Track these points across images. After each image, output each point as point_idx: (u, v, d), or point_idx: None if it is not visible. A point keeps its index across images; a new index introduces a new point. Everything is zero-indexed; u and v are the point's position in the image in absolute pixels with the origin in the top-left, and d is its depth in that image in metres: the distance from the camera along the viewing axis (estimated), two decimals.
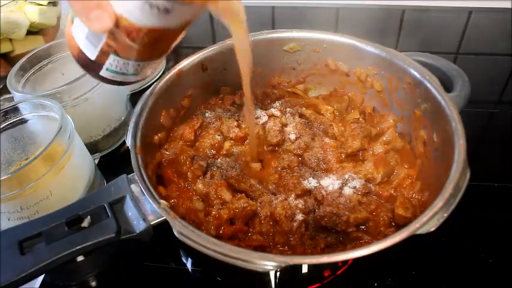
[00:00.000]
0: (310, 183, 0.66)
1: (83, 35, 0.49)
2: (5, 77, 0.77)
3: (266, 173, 0.70)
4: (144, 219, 0.52)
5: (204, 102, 0.83)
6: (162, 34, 0.47)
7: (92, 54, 0.50)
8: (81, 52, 0.51)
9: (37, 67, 0.83)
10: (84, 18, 0.46)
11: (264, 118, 0.78)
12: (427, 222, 0.49)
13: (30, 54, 0.82)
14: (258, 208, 0.62)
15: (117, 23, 0.45)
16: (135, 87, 1.04)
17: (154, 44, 0.49)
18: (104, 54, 0.49)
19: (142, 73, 0.54)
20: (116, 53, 0.49)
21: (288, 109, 0.79)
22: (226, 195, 0.63)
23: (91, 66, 0.51)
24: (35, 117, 0.71)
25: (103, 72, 0.52)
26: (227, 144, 0.74)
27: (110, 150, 0.88)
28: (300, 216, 0.60)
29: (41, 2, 1.01)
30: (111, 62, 0.50)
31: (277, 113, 0.78)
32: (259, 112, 0.79)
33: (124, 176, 0.57)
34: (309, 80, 0.86)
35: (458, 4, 1.26)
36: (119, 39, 0.47)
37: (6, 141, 0.73)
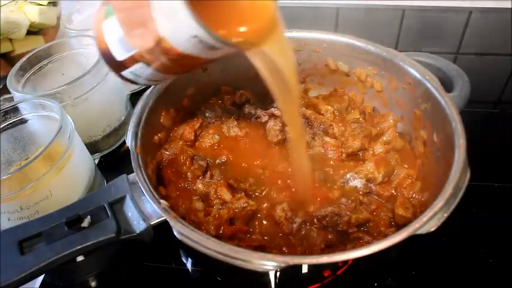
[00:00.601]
0: None
1: (115, 36, 0.48)
2: (5, 77, 0.77)
3: (266, 173, 0.70)
4: (144, 219, 0.52)
5: (204, 102, 0.83)
6: (198, 60, 0.47)
7: (120, 56, 0.49)
8: (107, 50, 0.50)
9: (37, 67, 0.83)
10: (127, 31, 0.45)
11: (265, 118, 0.78)
12: (427, 222, 0.49)
13: (30, 54, 0.82)
14: (259, 208, 0.62)
15: (158, 43, 0.44)
16: (135, 87, 1.04)
17: (186, 65, 0.49)
18: (132, 61, 0.49)
19: (160, 80, 0.53)
20: (146, 63, 0.48)
21: None
22: (226, 195, 0.63)
23: (114, 64, 0.51)
24: (35, 117, 0.71)
25: (125, 73, 0.51)
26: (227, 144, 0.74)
27: (110, 150, 0.88)
28: (300, 217, 0.60)
29: (41, 2, 1.01)
30: (137, 68, 0.50)
31: (278, 113, 0.78)
32: (259, 112, 0.79)
33: (124, 176, 0.57)
34: (309, 80, 0.86)
35: (458, 4, 1.26)
36: (153, 54, 0.46)
37: (6, 141, 0.73)
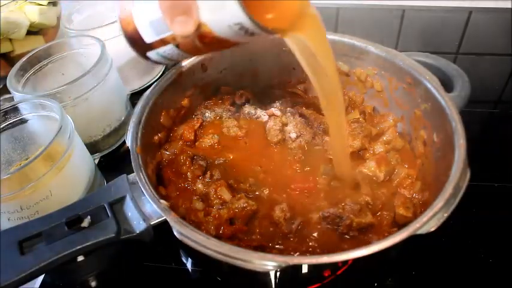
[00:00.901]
0: None
1: (147, 19, 0.48)
2: (5, 77, 0.77)
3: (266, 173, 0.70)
4: (144, 219, 0.52)
5: (204, 102, 0.83)
6: (229, 43, 0.48)
7: (148, 38, 0.49)
8: (135, 31, 0.50)
9: (37, 67, 0.83)
10: (169, 18, 0.45)
11: (265, 118, 0.78)
12: (427, 222, 0.48)
13: (30, 54, 0.82)
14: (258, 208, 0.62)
15: (197, 28, 0.45)
16: (135, 87, 1.04)
17: (217, 47, 0.49)
18: (162, 43, 0.49)
19: (181, 59, 0.54)
20: (176, 46, 0.49)
21: (288, 109, 0.79)
22: (226, 195, 0.63)
23: (140, 45, 0.51)
24: (35, 117, 0.71)
25: (150, 53, 0.51)
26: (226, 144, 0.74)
27: (110, 150, 0.88)
28: (300, 218, 0.60)
29: (41, 2, 1.01)
30: (166, 49, 0.50)
31: (278, 113, 0.78)
32: (259, 112, 0.79)
33: (124, 176, 0.57)
34: (309, 80, 0.86)
35: (458, 4, 1.26)
36: (188, 38, 0.46)
37: (6, 141, 0.73)
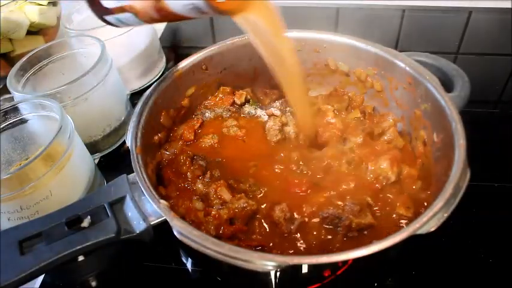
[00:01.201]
0: None
1: None
2: (5, 77, 0.77)
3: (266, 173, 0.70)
4: (144, 219, 0.52)
5: (204, 102, 0.83)
6: (187, 18, 0.50)
7: (109, 4, 0.51)
8: None
9: (37, 67, 0.83)
10: None
11: (265, 118, 0.78)
12: (427, 222, 0.48)
13: (30, 54, 0.82)
14: (258, 208, 0.62)
15: (156, 2, 0.47)
16: (135, 87, 1.04)
17: (174, 19, 0.52)
18: (120, 10, 0.51)
19: (139, 25, 0.56)
20: (134, 14, 0.50)
21: (288, 108, 0.79)
22: (226, 195, 0.63)
23: (99, 9, 0.52)
24: (35, 117, 0.71)
25: (108, 17, 0.53)
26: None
27: (110, 150, 0.88)
28: (300, 218, 0.60)
29: (41, 2, 1.01)
30: (124, 16, 0.51)
31: (277, 112, 0.78)
32: (259, 111, 0.79)
33: (124, 176, 0.57)
34: (309, 80, 0.86)
35: (458, 4, 1.25)
36: (146, 9, 0.49)
37: (6, 141, 0.73)
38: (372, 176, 0.66)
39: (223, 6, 0.48)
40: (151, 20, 0.53)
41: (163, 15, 0.50)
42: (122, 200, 0.54)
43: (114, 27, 0.59)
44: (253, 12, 0.54)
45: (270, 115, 0.78)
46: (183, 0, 0.46)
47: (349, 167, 0.67)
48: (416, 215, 0.58)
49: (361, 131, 0.73)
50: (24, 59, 0.81)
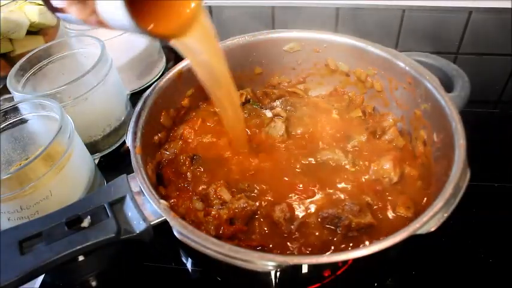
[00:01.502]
0: None
1: None
2: (5, 77, 0.77)
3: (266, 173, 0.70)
4: (144, 219, 0.52)
5: (204, 102, 0.83)
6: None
7: (56, 3, 0.51)
8: None
9: (37, 67, 0.83)
10: (67, 4, 0.48)
11: (265, 117, 0.78)
12: (427, 222, 0.48)
13: (30, 54, 0.82)
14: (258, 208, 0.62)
15: (95, 15, 0.47)
16: (135, 87, 1.04)
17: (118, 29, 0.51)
18: (64, 11, 0.51)
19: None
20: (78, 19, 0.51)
21: (289, 108, 0.79)
22: (226, 195, 0.63)
23: (50, 5, 0.52)
24: (35, 117, 0.71)
25: (59, 14, 0.53)
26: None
27: (110, 150, 0.88)
28: (300, 218, 0.60)
29: (41, 2, 1.01)
30: (72, 17, 0.51)
31: (279, 111, 0.78)
32: (259, 111, 0.79)
33: (124, 176, 0.57)
34: (309, 80, 0.86)
35: (458, 4, 1.25)
36: (87, 19, 0.49)
37: (6, 141, 0.73)
38: (374, 176, 0.66)
39: (158, 30, 0.48)
40: (95, 24, 0.53)
41: (106, 27, 0.49)
42: (121, 200, 0.54)
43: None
44: (191, 35, 0.53)
45: (276, 115, 0.78)
46: (119, 21, 0.46)
47: (350, 167, 0.67)
48: (416, 215, 0.58)
49: (364, 130, 0.74)
50: (24, 59, 0.81)
